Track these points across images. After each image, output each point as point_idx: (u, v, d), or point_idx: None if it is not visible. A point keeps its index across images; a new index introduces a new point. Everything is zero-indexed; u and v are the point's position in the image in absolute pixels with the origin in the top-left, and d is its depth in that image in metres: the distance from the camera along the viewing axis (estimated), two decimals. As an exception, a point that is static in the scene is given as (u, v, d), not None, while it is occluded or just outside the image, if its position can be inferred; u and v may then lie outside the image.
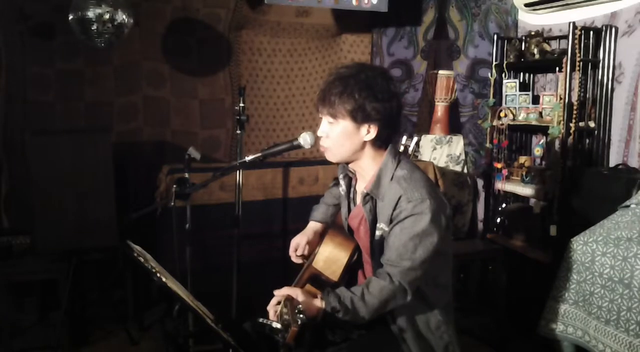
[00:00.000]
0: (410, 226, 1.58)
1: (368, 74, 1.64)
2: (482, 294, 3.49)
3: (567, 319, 2.35)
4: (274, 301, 1.56)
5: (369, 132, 1.65)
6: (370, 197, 1.69)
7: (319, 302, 1.54)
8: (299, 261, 1.92)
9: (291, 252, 1.93)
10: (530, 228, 3.28)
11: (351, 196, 1.85)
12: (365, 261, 1.81)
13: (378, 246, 1.68)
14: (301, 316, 1.37)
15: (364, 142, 1.68)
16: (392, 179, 1.66)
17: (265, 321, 1.40)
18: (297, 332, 1.36)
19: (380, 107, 1.62)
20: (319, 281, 1.69)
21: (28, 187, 2.93)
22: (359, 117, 1.63)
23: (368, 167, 1.72)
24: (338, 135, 1.66)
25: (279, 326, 1.37)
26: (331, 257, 1.73)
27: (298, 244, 1.93)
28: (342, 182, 1.88)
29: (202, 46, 4.00)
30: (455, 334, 1.76)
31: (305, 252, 1.91)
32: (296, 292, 1.53)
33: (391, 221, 1.62)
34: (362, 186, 1.76)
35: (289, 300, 1.45)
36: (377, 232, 1.68)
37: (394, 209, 1.62)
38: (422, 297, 1.68)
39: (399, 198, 1.61)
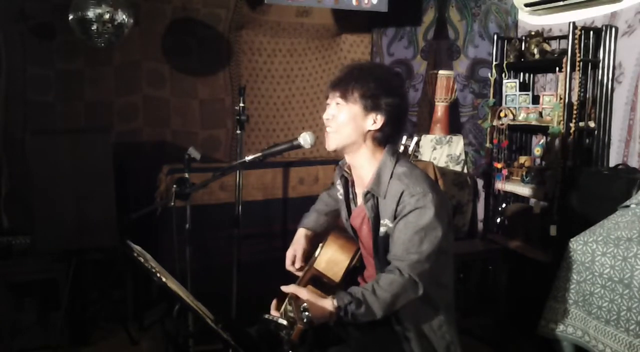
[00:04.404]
0: (414, 220, 1.59)
1: (384, 71, 1.77)
2: (482, 294, 3.49)
3: (567, 319, 2.34)
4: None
5: (375, 122, 1.68)
6: (372, 195, 1.69)
7: (329, 302, 1.52)
8: (300, 273, 1.86)
9: (288, 266, 1.90)
10: (530, 228, 3.27)
11: (350, 197, 1.85)
12: (368, 263, 1.81)
13: (382, 243, 1.68)
14: (306, 313, 1.38)
15: (367, 132, 1.69)
16: (392, 176, 1.67)
17: (271, 317, 1.40)
18: (302, 329, 1.37)
19: (391, 102, 1.66)
20: (320, 282, 1.69)
21: (28, 187, 2.93)
22: (369, 105, 1.66)
23: (365, 163, 1.72)
24: (344, 118, 1.68)
25: (284, 322, 1.37)
26: (333, 259, 1.73)
27: (294, 256, 1.90)
28: (339, 186, 1.88)
29: (202, 46, 4.00)
30: (456, 334, 1.76)
31: (303, 264, 1.88)
32: (301, 291, 1.53)
33: (395, 217, 1.63)
34: (360, 188, 1.76)
35: (294, 298, 1.45)
36: (382, 229, 1.68)
37: (397, 205, 1.62)
38: (425, 297, 1.67)
39: (402, 193, 1.61)
